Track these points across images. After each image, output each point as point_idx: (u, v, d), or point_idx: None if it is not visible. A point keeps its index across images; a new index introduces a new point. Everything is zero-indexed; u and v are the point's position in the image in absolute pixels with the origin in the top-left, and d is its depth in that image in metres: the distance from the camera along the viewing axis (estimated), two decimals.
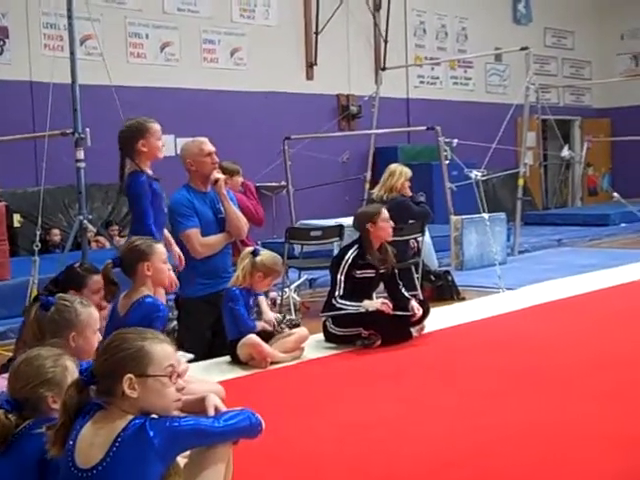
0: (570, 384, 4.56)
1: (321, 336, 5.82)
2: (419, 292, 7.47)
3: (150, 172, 4.92)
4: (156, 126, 4.85)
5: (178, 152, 10.27)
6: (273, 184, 11.95)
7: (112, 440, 2.37)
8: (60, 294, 3.39)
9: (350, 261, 5.72)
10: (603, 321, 6.43)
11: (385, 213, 5.86)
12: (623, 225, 13.94)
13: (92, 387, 2.49)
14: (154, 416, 2.48)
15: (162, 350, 2.50)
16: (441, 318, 6.49)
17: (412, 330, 5.73)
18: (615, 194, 13.83)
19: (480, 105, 15.76)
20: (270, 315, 5.36)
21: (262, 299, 5.36)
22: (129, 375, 2.43)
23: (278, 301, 7.06)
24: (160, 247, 4.24)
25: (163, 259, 4.22)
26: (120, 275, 4.29)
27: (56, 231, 10.28)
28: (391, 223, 5.94)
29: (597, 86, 18.42)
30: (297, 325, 5.60)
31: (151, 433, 2.37)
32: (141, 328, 2.64)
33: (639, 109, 17.74)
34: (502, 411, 4.10)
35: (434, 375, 4.92)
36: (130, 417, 2.42)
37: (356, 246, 5.83)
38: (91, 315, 3.23)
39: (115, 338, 2.53)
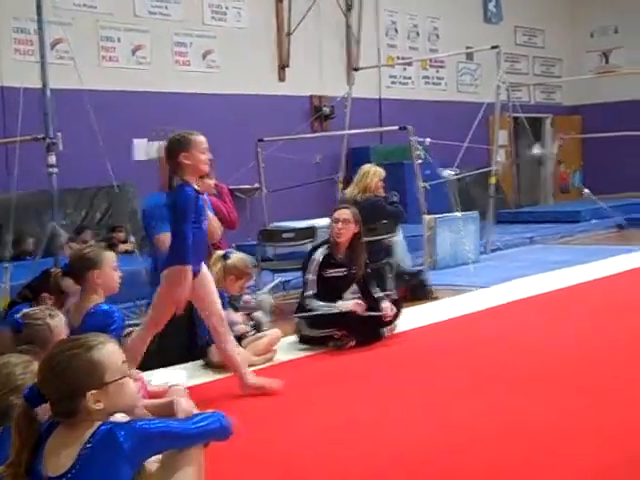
0: (545, 381, 4.61)
1: (294, 338, 5.86)
2: (393, 292, 7.52)
3: (197, 186, 4.64)
4: (199, 138, 4.59)
5: (151, 155, 10.27)
6: (247, 186, 11.96)
7: (80, 447, 2.37)
8: (24, 311, 3.38)
9: (320, 260, 5.77)
10: (577, 317, 6.52)
11: None
12: (594, 221, 14.06)
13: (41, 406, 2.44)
14: (122, 418, 2.49)
15: (110, 352, 2.48)
16: (415, 317, 6.54)
17: (384, 330, 5.78)
18: (586, 190, 14.00)
19: (452, 104, 15.84)
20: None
21: None
22: (91, 392, 2.39)
23: (252, 304, 7.08)
24: (110, 254, 4.23)
25: (113, 266, 4.21)
26: None
27: (28, 237, 10.21)
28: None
29: (568, 84, 18.57)
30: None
31: (121, 437, 2.37)
32: (76, 337, 2.59)
33: (609, 106, 17.91)
34: (478, 409, 4.13)
35: (408, 375, 4.95)
36: (97, 423, 2.41)
37: (326, 246, 5.89)
38: (62, 323, 3.25)
39: (60, 358, 2.43)
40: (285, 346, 5.68)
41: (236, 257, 5.28)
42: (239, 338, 5.23)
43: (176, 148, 4.52)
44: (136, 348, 4.44)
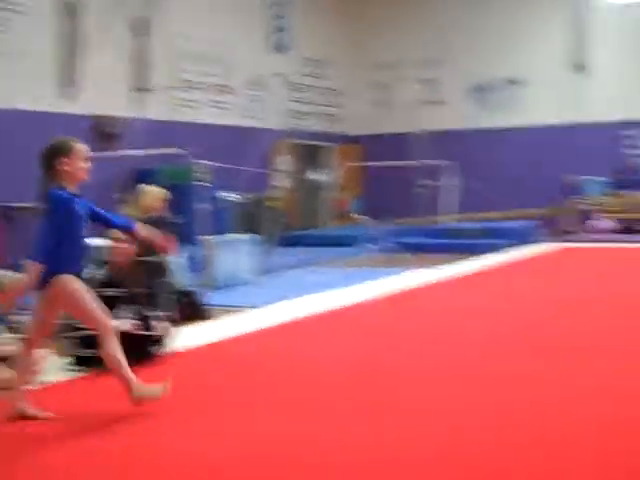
0: (309, 402, 4.87)
1: (68, 359, 5.89)
2: (168, 312, 7.67)
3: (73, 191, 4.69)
4: (80, 146, 4.65)
5: None
6: (28, 205, 11.72)
7: None
8: None
9: (96, 279, 5.89)
10: (345, 338, 6.96)
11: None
12: (369, 246, 14.88)
13: None
14: None
15: None
16: (189, 337, 6.76)
17: (153, 349, 5.96)
18: (362, 217, 14.83)
19: (240, 129, 16.24)
20: None
21: None
22: None
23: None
24: None
25: None
26: None
27: None
28: None
29: (350, 114, 19.53)
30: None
31: None
32: None
33: (387, 137, 19.03)
34: (242, 433, 4.31)
35: (181, 395, 5.03)
36: None
37: (103, 265, 6.02)
38: None
39: None
40: (57, 367, 5.71)
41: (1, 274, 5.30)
42: (3, 359, 5.21)
43: (55, 154, 4.58)
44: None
